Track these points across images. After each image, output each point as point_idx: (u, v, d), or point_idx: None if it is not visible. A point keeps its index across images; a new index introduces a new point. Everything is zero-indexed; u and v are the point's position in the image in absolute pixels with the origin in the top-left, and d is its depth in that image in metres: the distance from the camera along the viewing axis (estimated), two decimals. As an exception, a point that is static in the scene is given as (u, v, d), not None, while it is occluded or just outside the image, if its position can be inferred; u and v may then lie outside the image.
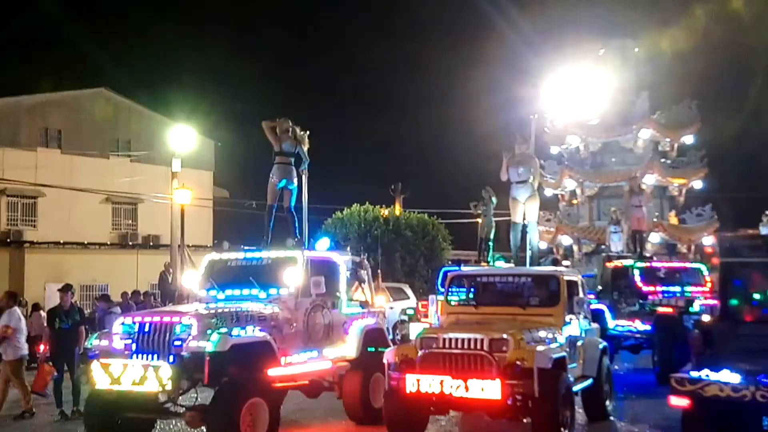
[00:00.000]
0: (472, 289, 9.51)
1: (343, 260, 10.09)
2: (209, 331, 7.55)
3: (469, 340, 7.75)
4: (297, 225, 10.66)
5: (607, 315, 15.07)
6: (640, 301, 14.30)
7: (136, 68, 48.73)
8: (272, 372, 8.23)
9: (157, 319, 7.87)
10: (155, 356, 7.60)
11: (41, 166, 28.68)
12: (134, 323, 7.90)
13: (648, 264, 15.62)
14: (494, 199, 18.11)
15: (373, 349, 9.83)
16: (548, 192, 32.89)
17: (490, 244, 17.69)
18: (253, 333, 8.03)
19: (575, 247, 31.54)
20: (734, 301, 6.92)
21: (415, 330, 14.12)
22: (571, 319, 8.83)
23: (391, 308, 18.84)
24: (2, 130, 29.60)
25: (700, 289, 14.42)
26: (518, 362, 7.45)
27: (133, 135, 32.73)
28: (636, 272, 14.98)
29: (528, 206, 11.40)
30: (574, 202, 31.82)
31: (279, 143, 10.66)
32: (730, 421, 6.24)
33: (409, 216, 28.59)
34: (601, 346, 9.58)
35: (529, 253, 12.07)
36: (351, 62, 67.49)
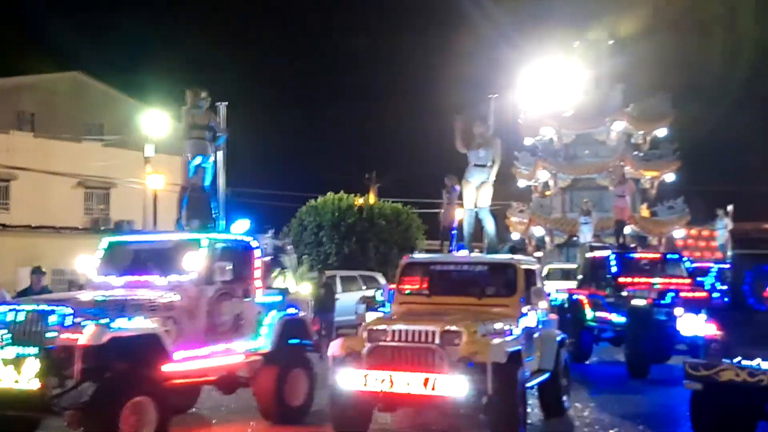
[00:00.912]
0: (426, 278, 9.08)
1: (259, 244, 9.17)
2: (85, 322, 6.80)
3: (420, 332, 7.26)
4: (213, 205, 9.83)
5: (587, 306, 14.88)
6: (616, 292, 13.78)
7: (111, 52, 48.28)
8: (164, 367, 7.38)
9: (32, 307, 7.12)
10: (28, 348, 6.88)
11: (14, 150, 28.34)
12: (8, 312, 7.15)
13: (625, 254, 15.04)
14: (457, 187, 17.74)
15: (298, 341, 9.23)
16: (521, 183, 33.20)
17: (453, 233, 17.38)
18: (141, 324, 7.20)
19: (547, 239, 31.87)
20: (745, 290, 7.09)
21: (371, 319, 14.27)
22: (528, 310, 8.43)
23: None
24: (-27, 113, 29.22)
25: (679, 280, 13.82)
26: (472, 356, 7.02)
27: (106, 119, 32.44)
28: (613, 262, 14.40)
29: (481, 191, 10.38)
30: (547, 193, 32.15)
31: (191, 116, 9.74)
32: (742, 406, 6.64)
33: (383, 205, 28.64)
34: (558, 338, 9.18)
35: (485, 241, 11.46)
36: (327, 51, 67.28)
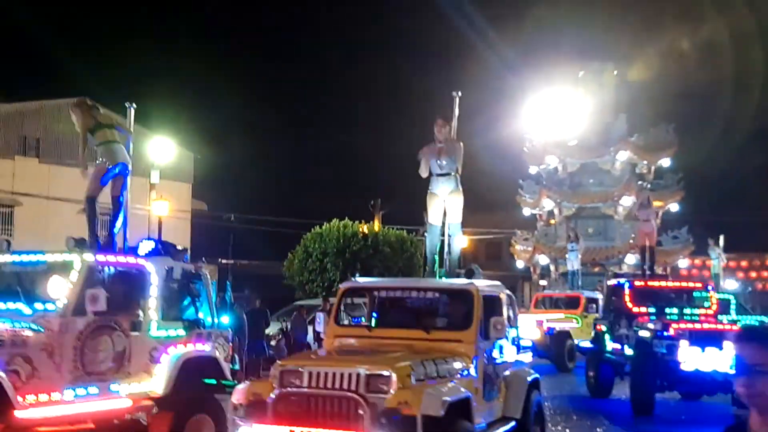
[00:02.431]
0: (369, 307, 7.81)
1: (158, 268, 7.81)
2: None
3: (340, 375, 5.83)
4: (113, 221, 8.54)
5: (607, 338, 13.99)
6: (628, 323, 12.94)
7: (116, 79, 48.64)
8: (7, 414, 6.24)
9: None
10: None
11: (18, 175, 28.42)
12: None
13: (642, 282, 14.10)
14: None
15: (214, 382, 7.98)
16: (526, 211, 33.19)
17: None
18: None
19: (552, 267, 31.80)
20: None
21: None
22: (488, 346, 7.03)
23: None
24: (-21, 138, 29.36)
25: (700, 311, 12.90)
26: (400, 408, 5.63)
27: (112, 146, 32.57)
28: (627, 291, 13.41)
29: (450, 202, 8.87)
30: (552, 221, 32.13)
31: (93, 120, 8.62)
32: None
33: (387, 232, 28.61)
34: (530, 379, 7.68)
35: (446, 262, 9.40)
36: (331, 78, 67.79)
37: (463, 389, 6.23)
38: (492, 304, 7.31)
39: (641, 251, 16.24)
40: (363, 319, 8.03)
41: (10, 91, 30.77)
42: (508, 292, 7.89)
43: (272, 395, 5.93)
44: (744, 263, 36.33)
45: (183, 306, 8.28)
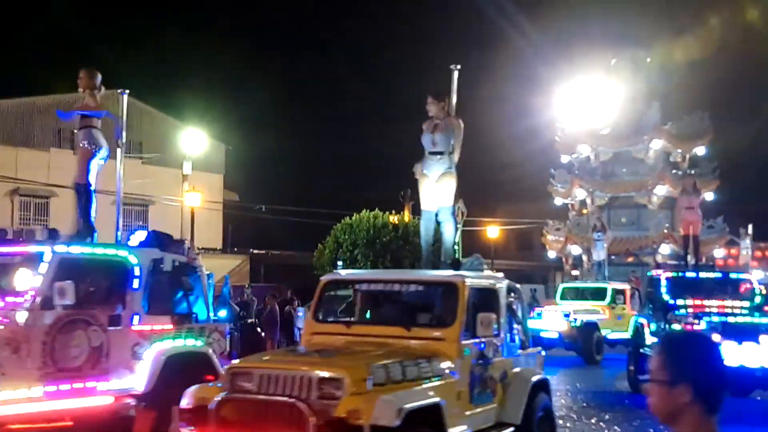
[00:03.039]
0: (351, 301, 7.24)
1: (144, 260, 7.41)
2: None
3: (291, 379, 5.24)
4: (87, 209, 8.22)
5: (647, 331, 13.48)
6: (665, 316, 12.36)
7: (149, 71, 49.11)
8: None
9: None
10: None
11: (54, 167, 28.87)
12: None
13: (679, 273, 13.46)
14: (460, 204, 16.94)
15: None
16: (558, 201, 32.91)
17: (455, 248, 16.60)
18: None
19: (584, 257, 31.51)
20: None
21: None
22: (477, 344, 6.30)
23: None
24: (16, 131, 29.87)
25: (743, 303, 12.28)
26: (349, 416, 4.97)
27: (144, 137, 32.91)
28: (663, 282, 12.82)
29: (441, 186, 7.99)
30: (584, 211, 31.81)
31: (94, 100, 8.29)
32: None
33: (418, 223, 28.58)
34: (534, 380, 6.85)
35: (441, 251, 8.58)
36: (362, 68, 67.73)
37: (432, 394, 5.58)
38: (485, 298, 6.66)
39: (684, 240, 15.29)
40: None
41: (44, 83, 31.26)
42: (510, 284, 7.19)
43: (215, 400, 5.35)
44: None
45: (175, 299, 7.95)
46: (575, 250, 31.85)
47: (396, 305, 6.90)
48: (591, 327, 18.23)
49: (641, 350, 13.09)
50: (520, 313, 7.30)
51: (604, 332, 18.23)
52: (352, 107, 64.72)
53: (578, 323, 18.09)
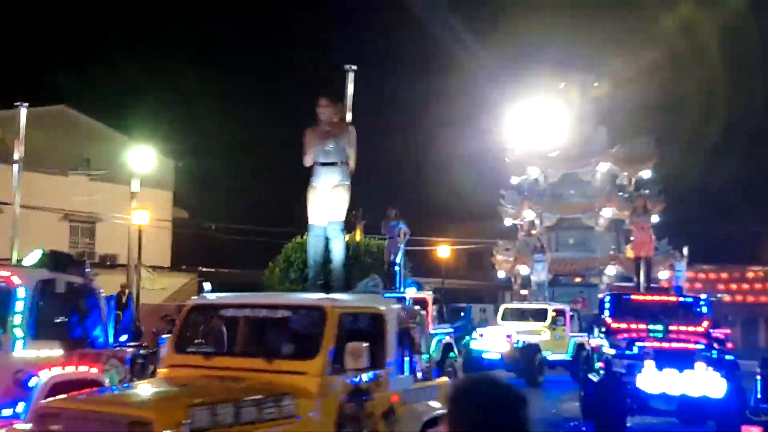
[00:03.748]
0: (215, 329, 6.43)
1: (28, 281, 6.93)
2: None
3: (99, 422, 4.70)
4: None
5: (596, 355, 13.16)
6: (608, 339, 11.94)
7: (97, 87, 48.34)
8: None
9: None
10: None
11: (-4, 182, 28.17)
12: None
13: (624, 296, 13.01)
14: (401, 225, 16.74)
15: None
16: (508, 222, 33.33)
17: (397, 269, 16.39)
18: None
19: (533, 278, 31.92)
20: None
21: None
22: (349, 379, 5.51)
23: None
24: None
25: (690, 328, 11.63)
26: None
27: (92, 153, 32.38)
28: (607, 305, 12.29)
29: (333, 198, 7.27)
30: (533, 232, 32.27)
31: None
32: None
33: (369, 242, 28.60)
34: (428, 417, 6.05)
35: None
36: (313, 86, 67.83)
37: None
38: (369, 325, 5.94)
39: (635, 262, 14.61)
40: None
41: (-10, 98, 30.47)
42: (406, 308, 6.51)
43: None
44: (724, 275, 36.64)
45: (68, 323, 7.43)
46: (524, 270, 32.23)
47: (262, 334, 6.21)
48: (533, 348, 17.98)
49: (588, 375, 12.50)
50: (421, 341, 6.45)
51: (544, 353, 18.12)
52: (306, 125, 64.64)
53: (520, 344, 17.91)
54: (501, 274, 33.82)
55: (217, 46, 63.81)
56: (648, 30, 32.54)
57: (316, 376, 5.38)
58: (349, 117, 7.70)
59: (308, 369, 5.42)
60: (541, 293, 23.66)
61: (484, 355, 17.91)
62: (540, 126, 31.93)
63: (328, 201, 7.33)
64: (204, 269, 32.28)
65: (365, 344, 5.48)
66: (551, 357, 18.53)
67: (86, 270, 7.77)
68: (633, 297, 12.91)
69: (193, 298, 6.80)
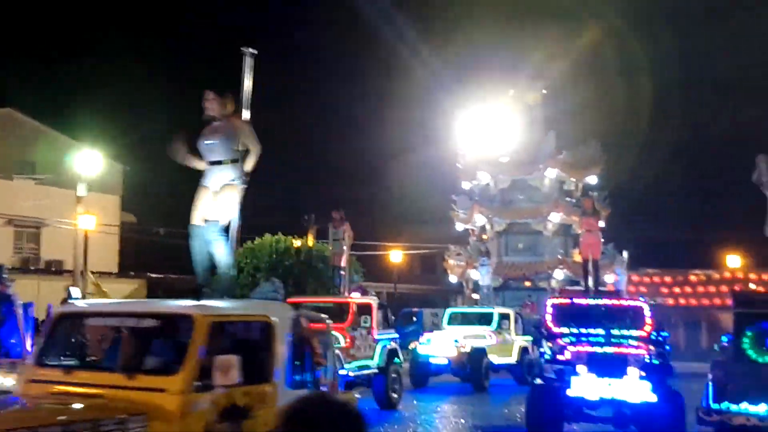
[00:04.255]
0: (82, 341, 5.97)
1: None
2: None
3: None
4: None
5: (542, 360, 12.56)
6: (549, 344, 11.39)
7: (44, 89, 47.32)
8: None
9: None
10: None
11: None
12: None
13: (566, 300, 12.33)
14: (345, 228, 16.34)
15: None
16: (459, 227, 33.65)
17: (342, 273, 16.18)
18: None
19: (479, 282, 32.28)
20: (746, 344, 7.89)
21: None
22: (214, 398, 4.84)
23: None
24: None
25: (633, 332, 10.95)
26: None
27: (39, 157, 31.71)
28: (549, 309, 11.83)
29: (220, 199, 6.67)
30: (484, 237, 32.65)
31: None
32: None
33: (321, 247, 28.59)
34: None
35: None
36: (263, 91, 67.48)
37: None
38: (253, 336, 5.40)
39: (583, 264, 14.07)
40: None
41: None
42: (303, 314, 5.87)
43: None
44: (668, 279, 37.57)
45: None
46: (475, 274, 32.54)
47: (129, 345, 5.53)
48: (480, 353, 17.85)
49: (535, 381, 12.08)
50: (327, 352, 5.90)
51: (490, 358, 18.04)
52: (257, 129, 64.21)
53: (468, 349, 17.82)
54: (453, 279, 34.11)
55: (163, 50, 63.03)
56: (593, 38, 33.27)
57: (177, 393, 4.73)
58: (246, 113, 6.87)
59: (169, 385, 4.77)
60: (487, 297, 23.85)
61: (431, 360, 17.85)
62: (490, 132, 32.35)
63: (214, 201, 6.67)
64: (152, 275, 31.85)
65: (236, 357, 4.80)
66: (497, 361, 18.47)
67: (2, 276, 7.29)
68: (575, 301, 12.26)
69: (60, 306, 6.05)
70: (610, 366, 9.68)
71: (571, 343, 10.38)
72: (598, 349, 10.05)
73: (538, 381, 10.84)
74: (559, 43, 32.47)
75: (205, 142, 6.68)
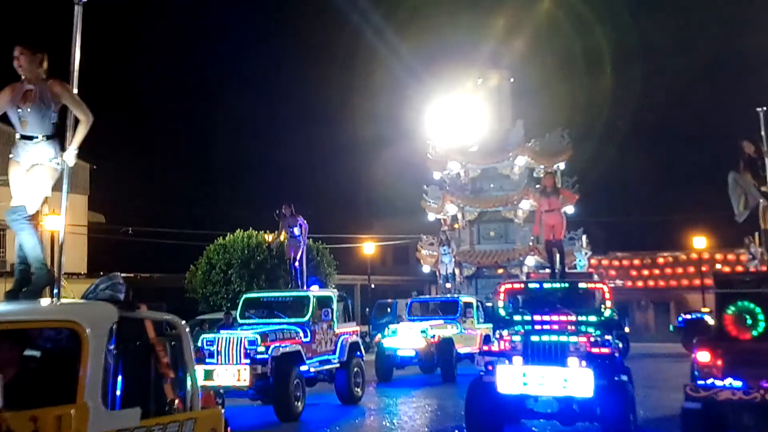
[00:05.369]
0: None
1: None
2: None
3: None
4: None
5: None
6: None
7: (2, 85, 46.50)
8: None
9: None
10: None
11: None
12: None
13: (517, 284, 11.49)
14: (300, 221, 15.64)
15: None
16: (431, 216, 33.77)
17: (297, 266, 15.37)
18: None
19: (457, 271, 32.41)
20: (728, 323, 8.16)
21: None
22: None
23: None
24: None
25: (586, 317, 9.91)
26: None
27: (1, 156, 31.18)
28: (501, 295, 10.74)
29: (28, 179, 5.49)
30: (456, 226, 32.78)
31: None
32: (737, 420, 7.78)
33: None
34: None
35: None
36: (236, 84, 66.96)
37: None
38: (47, 346, 4.37)
39: (546, 246, 13.00)
40: None
41: None
42: (155, 316, 4.78)
43: None
44: (636, 261, 38.09)
45: None
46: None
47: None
48: (449, 343, 17.47)
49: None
50: (181, 360, 4.80)
51: (456, 347, 17.61)
52: (227, 123, 63.81)
53: (436, 339, 17.41)
54: (426, 269, 34.21)
55: (132, 49, 62.23)
56: (559, 23, 33.53)
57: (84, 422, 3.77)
58: (77, 65, 5.64)
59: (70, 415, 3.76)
60: (454, 287, 23.92)
61: (399, 353, 17.40)
62: (460, 122, 32.42)
63: (22, 180, 5.47)
64: (122, 274, 31.55)
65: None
66: (461, 350, 18.02)
67: None
68: (527, 285, 11.39)
69: None
70: (547, 356, 8.79)
71: (510, 333, 9.38)
72: (534, 338, 9.03)
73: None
74: (520, 20, 32.67)
75: (19, 109, 5.39)
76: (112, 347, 4.18)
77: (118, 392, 4.15)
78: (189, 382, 4.78)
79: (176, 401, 4.65)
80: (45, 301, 4.98)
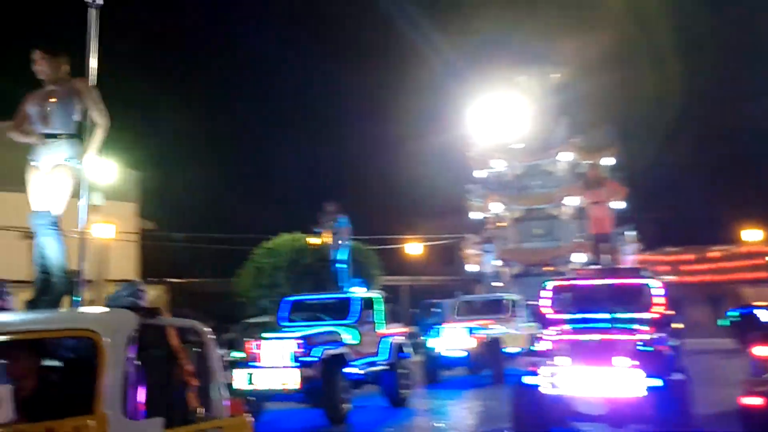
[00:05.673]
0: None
1: None
2: None
3: None
4: None
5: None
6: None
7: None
8: None
9: None
10: None
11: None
12: None
13: (564, 281, 10.85)
14: (343, 220, 15.57)
15: None
16: (474, 215, 33.66)
17: (342, 267, 15.10)
18: None
19: (503, 270, 32.20)
20: None
21: (240, 377, 11.50)
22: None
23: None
24: None
25: (637, 314, 9.41)
26: None
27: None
28: (543, 293, 10.14)
29: (51, 181, 5.48)
30: (499, 224, 32.58)
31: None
32: None
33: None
34: None
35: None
36: (278, 87, 67.63)
37: None
38: (65, 355, 4.31)
39: (594, 241, 12.35)
40: None
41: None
42: (179, 323, 4.64)
43: None
44: (689, 256, 37.39)
45: None
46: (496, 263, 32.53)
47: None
48: (497, 343, 17.03)
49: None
50: (211, 366, 4.64)
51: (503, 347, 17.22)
52: (269, 126, 64.40)
53: (487, 339, 16.94)
54: (471, 268, 34.09)
55: (176, 54, 63.30)
56: (602, 18, 33.01)
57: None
58: (93, 69, 5.57)
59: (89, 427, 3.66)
60: (502, 284, 23.71)
61: (446, 353, 17.02)
62: (502, 119, 32.24)
63: (46, 185, 5.42)
64: (172, 280, 32.11)
65: (4, 388, 3.89)
66: (509, 350, 17.51)
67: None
68: (574, 282, 10.70)
69: None
70: (595, 355, 8.38)
71: (556, 332, 9.00)
72: (581, 337, 8.66)
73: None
74: (570, 25, 32.27)
75: (41, 110, 5.37)
76: (132, 355, 4.01)
77: (139, 401, 3.99)
78: (214, 390, 4.61)
79: (201, 410, 4.51)
80: (62, 310, 4.87)
